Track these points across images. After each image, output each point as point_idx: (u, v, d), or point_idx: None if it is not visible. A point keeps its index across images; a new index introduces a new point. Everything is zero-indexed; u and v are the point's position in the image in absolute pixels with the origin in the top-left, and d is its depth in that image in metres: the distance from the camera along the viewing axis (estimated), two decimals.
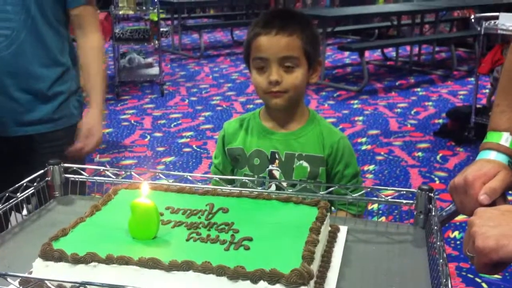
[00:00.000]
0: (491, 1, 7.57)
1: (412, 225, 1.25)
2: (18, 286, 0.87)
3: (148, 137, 4.92)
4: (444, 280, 0.89)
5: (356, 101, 6.02)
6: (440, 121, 5.23)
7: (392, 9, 7.90)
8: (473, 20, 4.69)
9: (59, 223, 1.13)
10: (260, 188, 1.31)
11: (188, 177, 1.34)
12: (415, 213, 1.24)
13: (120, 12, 6.17)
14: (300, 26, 1.48)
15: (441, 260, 0.95)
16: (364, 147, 4.58)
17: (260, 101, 1.59)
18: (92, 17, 1.85)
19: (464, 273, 2.74)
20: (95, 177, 1.38)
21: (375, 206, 3.23)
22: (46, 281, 0.86)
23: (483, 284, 2.67)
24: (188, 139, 4.84)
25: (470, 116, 4.64)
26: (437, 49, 8.21)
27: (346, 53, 8.49)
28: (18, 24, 1.65)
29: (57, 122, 1.80)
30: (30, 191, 1.29)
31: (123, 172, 1.39)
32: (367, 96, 6.21)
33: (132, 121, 5.38)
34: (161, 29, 6.58)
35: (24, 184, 1.27)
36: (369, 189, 1.31)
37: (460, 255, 2.90)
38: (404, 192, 1.27)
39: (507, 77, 1.19)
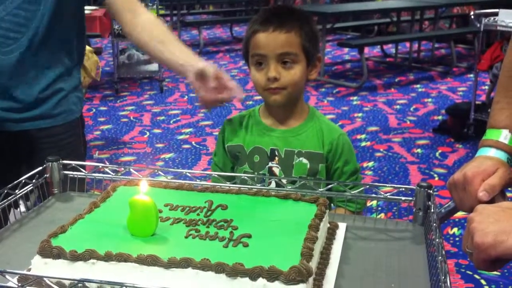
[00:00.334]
0: None
1: (411, 222, 1.25)
2: (17, 283, 0.87)
3: (147, 133, 4.91)
4: (443, 277, 0.89)
5: (355, 98, 6.02)
6: (440, 117, 5.23)
7: (391, 6, 7.88)
8: (472, 17, 4.69)
9: (58, 220, 1.13)
10: (259, 185, 1.31)
11: (187, 173, 1.34)
12: (414, 210, 1.24)
13: None
14: (298, 22, 1.48)
15: (440, 257, 0.95)
16: (363, 144, 4.58)
17: (259, 97, 1.59)
18: None
19: (463, 270, 2.75)
20: (94, 174, 1.38)
21: (374, 202, 3.23)
22: (44, 278, 0.86)
23: (482, 281, 2.68)
24: (187, 136, 4.84)
25: (469, 112, 4.65)
26: (436, 45, 8.21)
27: (346, 50, 8.48)
28: (29, 29, 1.64)
29: (56, 118, 1.80)
30: (28, 187, 1.29)
31: (122, 169, 1.39)
32: (366, 93, 6.21)
33: (131, 118, 5.37)
34: None
35: (23, 181, 1.27)
36: (368, 186, 1.31)
37: (459, 251, 2.91)
38: (403, 189, 1.27)
39: (506, 74, 1.19)
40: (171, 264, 0.90)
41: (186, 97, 6.12)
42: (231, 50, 8.81)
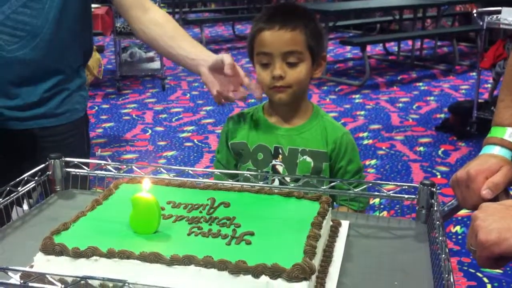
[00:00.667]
0: None
1: (414, 220, 1.25)
2: (19, 280, 0.87)
3: (150, 131, 4.91)
4: (446, 275, 0.89)
5: (357, 96, 6.01)
6: (442, 115, 5.22)
7: (393, 4, 7.86)
8: (475, 15, 4.67)
9: (60, 217, 1.13)
10: (262, 182, 1.30)
11: (189, 171, 1.34)
12: (417, 208, 1.24)
13: None
14: (303, 20, 1.48)
15: (443, 255, 0.95)
16: (365, 142, 4.58)
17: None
18: None
19: (465, 268, 2.74)
20: (96, 171, 1.38)
21: (377, 200, 3.23)
22: (47, 275, 0.86)
23: (484, 279, 2.67)
24: (190, 134, 4.84)
25: (472, 110, 4.64)
26: (439, 43, 8.20)
27: (348, 48, 8.48)
28: (34, 28, 1.63)
29: (60, 117, 1.80)
30: (31, 185, 1.29)
31: (125, 166, 1.38)
32: (368, 91, 6.20)
33: (134, 116, 5.37)
34: None
35: (26, 178, 1.27)
36: (370, 184, 1.31)
37: (461, 249, 2.90)
38: (406, 186, 1.27)
39: (511, 72, 1.19)
40: (174, 261, 0.90)
41: (188, 95, 6.12)
42: (233, 48, 8.80)
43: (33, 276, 0.87)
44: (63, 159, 1.37)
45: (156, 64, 6.58)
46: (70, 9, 1.68)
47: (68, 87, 1.78)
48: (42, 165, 1.34)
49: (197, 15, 11.74)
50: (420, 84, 6.54)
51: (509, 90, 1.17)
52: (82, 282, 0.85)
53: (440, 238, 1.02)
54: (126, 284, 0.83)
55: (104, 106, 5.70)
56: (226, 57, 1.48)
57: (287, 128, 1.56)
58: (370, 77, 6.59)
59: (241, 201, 1.16)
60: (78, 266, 0.92)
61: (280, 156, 1.54)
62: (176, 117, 5.31)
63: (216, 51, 1.71)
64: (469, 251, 0.95)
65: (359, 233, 1.19)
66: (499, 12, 4.38)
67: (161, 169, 1.38)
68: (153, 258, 0.91)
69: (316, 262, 0.94)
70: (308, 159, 1.52)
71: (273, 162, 1.54)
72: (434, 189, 1.20)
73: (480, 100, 4.75)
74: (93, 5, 5.76)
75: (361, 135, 4.74)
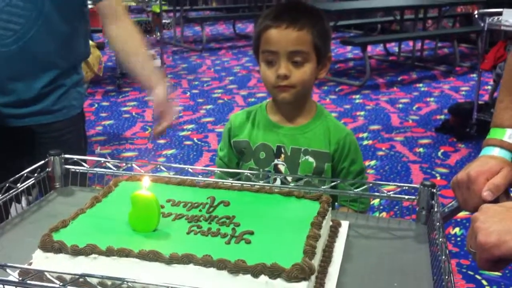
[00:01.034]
0: None
1: (414, 221, 1.24)
2: (18, 277, 0.86)
3: (149, 129, 4.91)
4: (446, 277, 0.88)
5: (358, 96, 6.00)
6: (442, 117, 5.22)
7: (395, 4, 7.86)
8: (476, 16, 4.67)
9: (59, 215, 1.12)
10: (262, 182, 1.30)
11: (189, 169, 1.34)
12: (417, 209, 1.24)
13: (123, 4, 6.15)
14: (311, 20, 1.46)
15: (443, 257, 0.95)
16: (365, 142, 4.57)
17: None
18: (120, 5, 1.84)
19: (464, 270, 2.74)
20: (95, 169, 1.37)
21: (376, 201, 3.22)
22: (45, 273, 0.86)
23: (483, 281, 2.67)
24: (189, 132, 4.83)
25: (472, 112, 4.63)
26: (439, 44, 8.19)
27: (349, 48, 8.47)
28: (28, 20, 1.63)
29: (56, 114, 1.80)
30: (30, 181, 1.28)
31: (124, 164, 1.38)
32: (369, 91, 6.20)
33: (133, 113, 5.37)
34: (163, 21, 6.57)
35: (25, 175, 1.27)
36: (371, 184, 1.30)
37: (460, 251, 2.90)
38: (406, 187, 1.26)
39: (510, 73, 1.18)
40: (173, 260, 0.90)
41: (188, 93, 6.11)
42: (234, 47, 8.79)
43: (31, 273, 0.87)
44: (62, 156, 1.37)
45: (156, 62, 6.55)
46: (65, 3, 1.68)
47: (64, 83, 1.78)
48: (42, 162, 1.34)
49: (198, 13, 11.72)
50: (420, 85, 6.53)
51: (508, 91, 1.17)
52: (81, 279, 0.84)
53: (440, 239, 1.02)
54: (125, 282, 0.83)
55: (104, 103, 5.69)
56: (156, 96, 1.80)
57: (290, 127, 1.55)
58: (371, 77, 6.58)
59: (241, 200, 1.16)
60: (77, 263, 0.92)
61: (283, 156, 1.53)
62: (176, 116, 5.30)
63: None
64: (469, 253, 0.95)
65: (359, 234, 1.19)
66: (500, 13, 4.38)
67: (161, 167, 1.37)
68: (152, 256, 0.90)
69: (316, 262, 0.94)
70: (310, 159, 1.52)
71: (275, 161, 1.53)
72: (434, 190, 1.20)
73: (480, 102, 4.74)
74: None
75: (361, 135, 4.74)
